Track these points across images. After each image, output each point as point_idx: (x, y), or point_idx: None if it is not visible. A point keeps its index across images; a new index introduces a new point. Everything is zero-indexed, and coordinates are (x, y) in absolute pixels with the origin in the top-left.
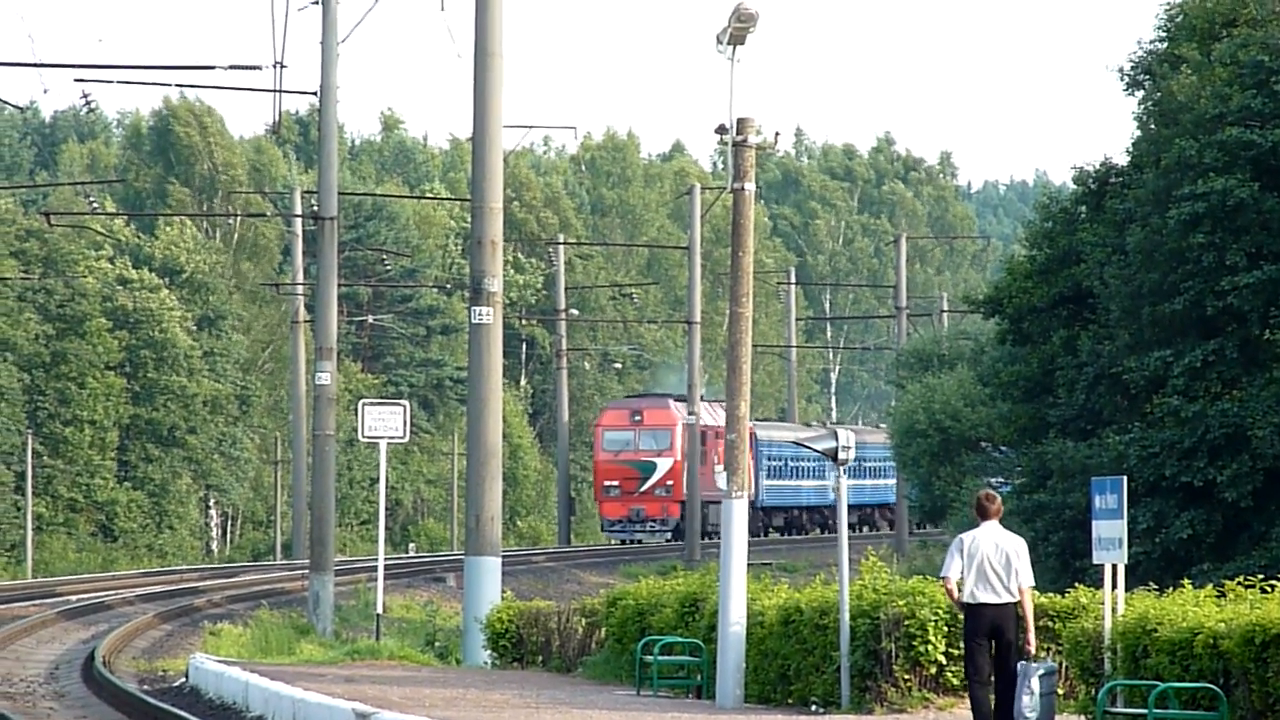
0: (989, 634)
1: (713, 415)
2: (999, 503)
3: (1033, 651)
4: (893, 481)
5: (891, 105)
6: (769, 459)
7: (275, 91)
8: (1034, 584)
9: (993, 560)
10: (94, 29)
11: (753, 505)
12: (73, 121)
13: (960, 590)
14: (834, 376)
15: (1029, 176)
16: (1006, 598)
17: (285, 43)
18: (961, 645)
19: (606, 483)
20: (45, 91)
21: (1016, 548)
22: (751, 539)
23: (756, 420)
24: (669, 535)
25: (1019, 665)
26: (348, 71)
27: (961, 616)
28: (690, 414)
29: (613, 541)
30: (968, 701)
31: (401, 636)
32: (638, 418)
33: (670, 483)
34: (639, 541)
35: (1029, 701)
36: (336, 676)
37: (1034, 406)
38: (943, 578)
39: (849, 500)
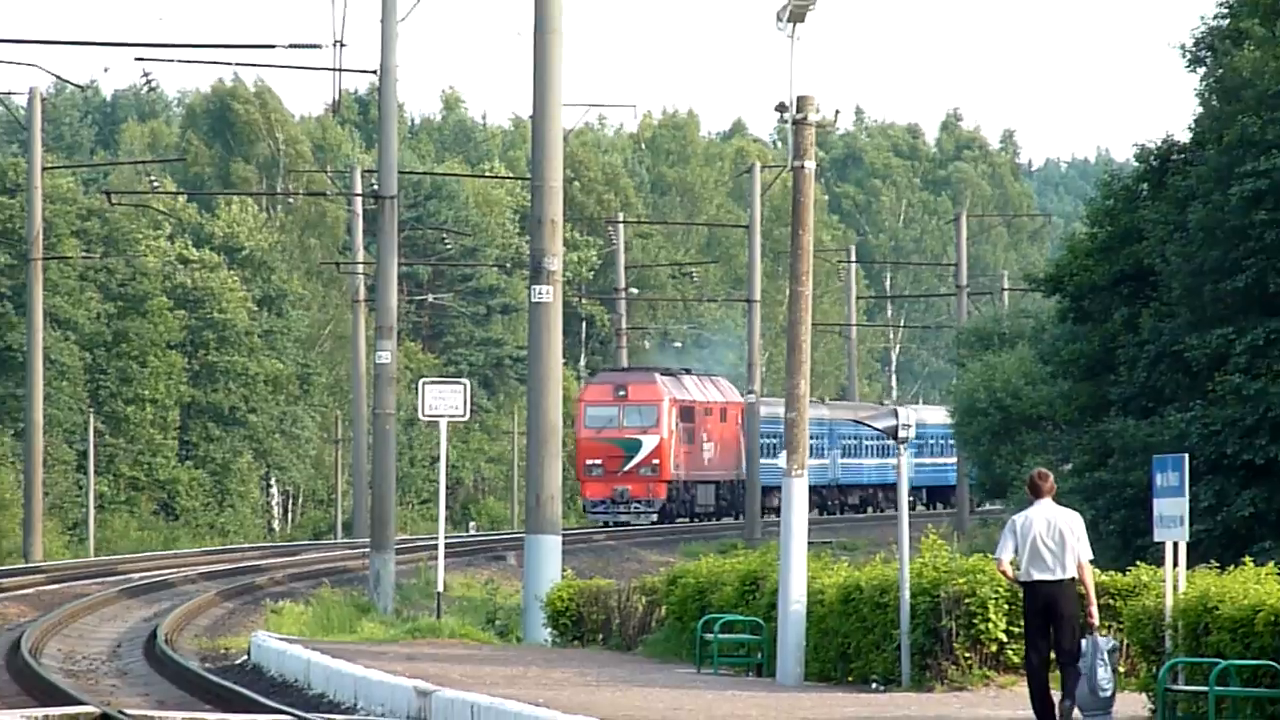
0: (1045, 611)
1: (702, 390)
2: (1051, 480)
3: (1096, 625)
4: (953, 460)
5: (952, 83)
6: (765, 436)
7: (335, 70)
8: (1092, 558)
9: (1045, 538)
10: (154, 7)
11: (743, 484)
12: (133, 100)
13: (1016, 570)
14: (894, 355)
15: (1090, 154)
16: (1060, 574)
17: (345, 21)
18: (1020, 624)
19: (589, 461)
20: (106, 70)
21: (1071, 523)
22: (630, 527)
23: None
24: (654, 517)
25: (1089, 639)
26: (408, 50)
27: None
28: (750, 393)
29: (596, 524)
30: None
31: (462, 615)
32: (622, 393)
33: (656, 461)
34: (623, 524)
35: (1104, 674)
36: (397, 654)
37: (1095, 385)
38: (996, 559)
39: (903, 479)
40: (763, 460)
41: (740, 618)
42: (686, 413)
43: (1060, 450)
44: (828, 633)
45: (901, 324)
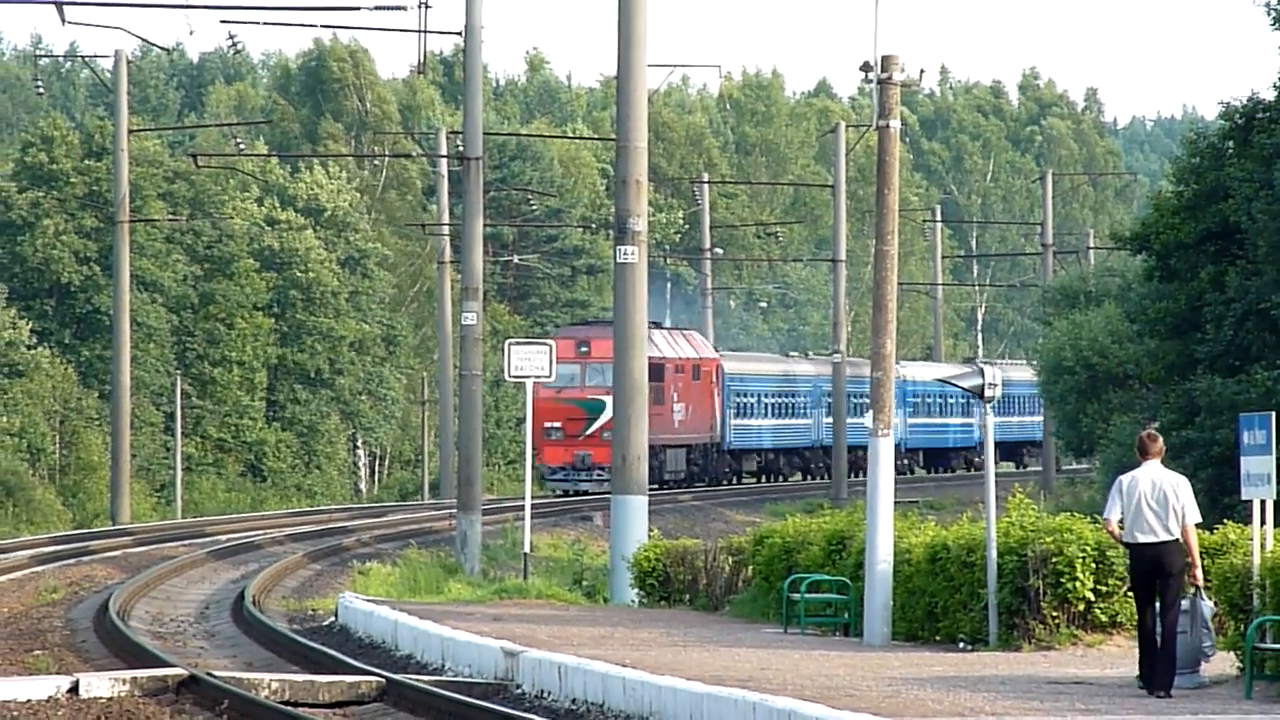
0: (1150, 571)
1: (673, 346)
2: (1160, 442)
3: (1200, 584)
4: (1039, 418)
5: (1038, 42)
6: (738, 395)
7: (420, 32)
8: (1199, 520)
9: (1150, 499)
10: None
11: (719, 448)
12: (219, 63)
13: (1121, 529)
14: (980, 314)
15: (1176, 112)
16: (1164, 535)
17: None
18: (1107, 582)
19: (547, 424)
20: (192, 33)
21: (1175, 485)
22: (717, 487)
23: (727, 351)
24: None
25: (1193, 601)
26: (493, 10)
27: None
28: (835, 352)
29: (555, 492)
30: (1116, 638)
31: (549, 575)
32: (584, 349)
33: None
34: (584, 492)
35: (1206, 634)
36: (484, 615)
37: (1181, 343)
38: (1104, 519)
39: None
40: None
41: (827, 577)
42: (655, 371)
43: (1147, 409)
44: (915, 592)
45: (988, 283)
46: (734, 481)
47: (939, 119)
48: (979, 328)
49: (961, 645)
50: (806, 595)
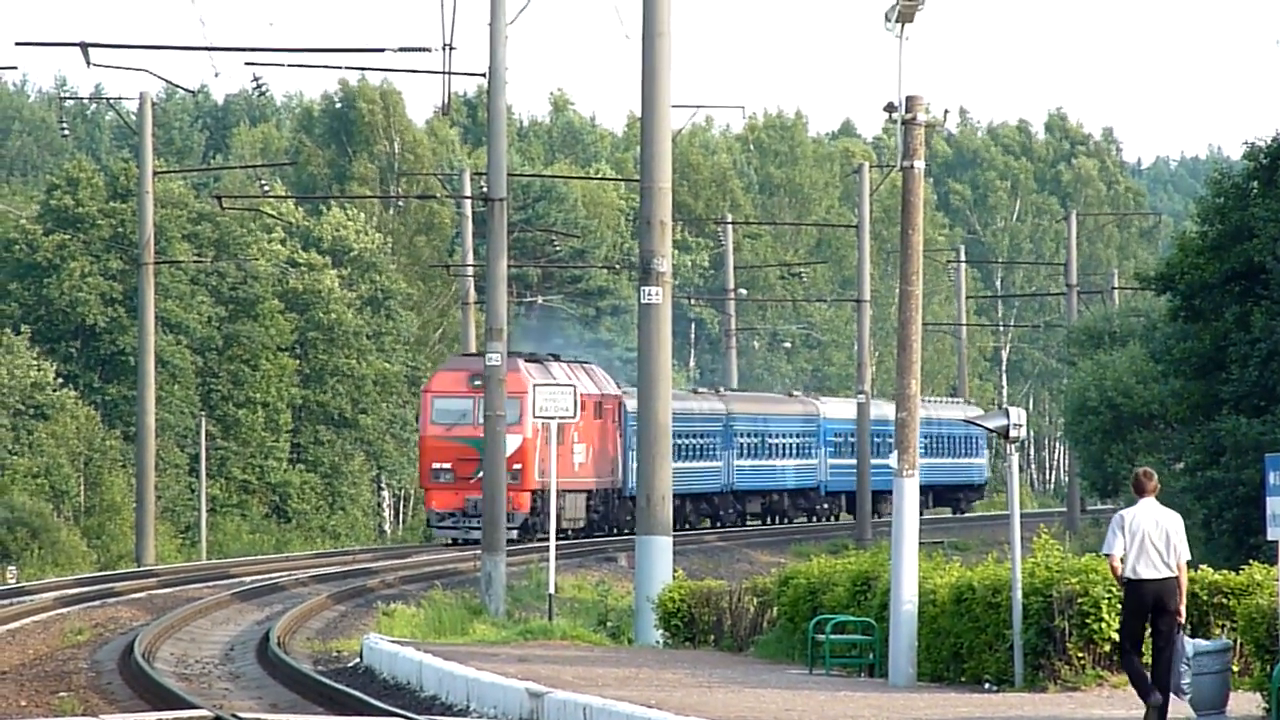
0: (1151, 607)
1: (573, 380)
2: (1156, 480)
3: (1183, 622)
4: (981, 460)
5: (1059, 82)
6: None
7: (444, 73)
8: (1190, 558)
9: (1153, 536)
10: (264, 12)
11: (620, 493)
12: (244, 105)
13: (1123, 566)
14: (1005, 354)
15: (1201, 152)
16: (1166, 572)
17: (454, 24)
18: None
19: (435, 465)
20: (216, 75)
21: (1174, 524)
22: (607, 537)
23: (628, 386)
24: (515, 534)
25: (1179, 639)
26: (517, 53)
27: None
28: (860, 393)
29: (446, 541)
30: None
31: (574, 616)
32: (477, 382)
33: (518, 467)
34: (476, 543)
35: (1184, 671)
36: (509, 656)
37: (1207, 383)
38: (1106, 555)
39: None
40: (832, 461)
41: (852, 618)
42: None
43: (1172, 449)
44: (940, 633)
45: (1012, 323)
46: (633, 531)
47: (962, 159)
48: (1003, 368)
49: (987, 686)
50: (832, 636)
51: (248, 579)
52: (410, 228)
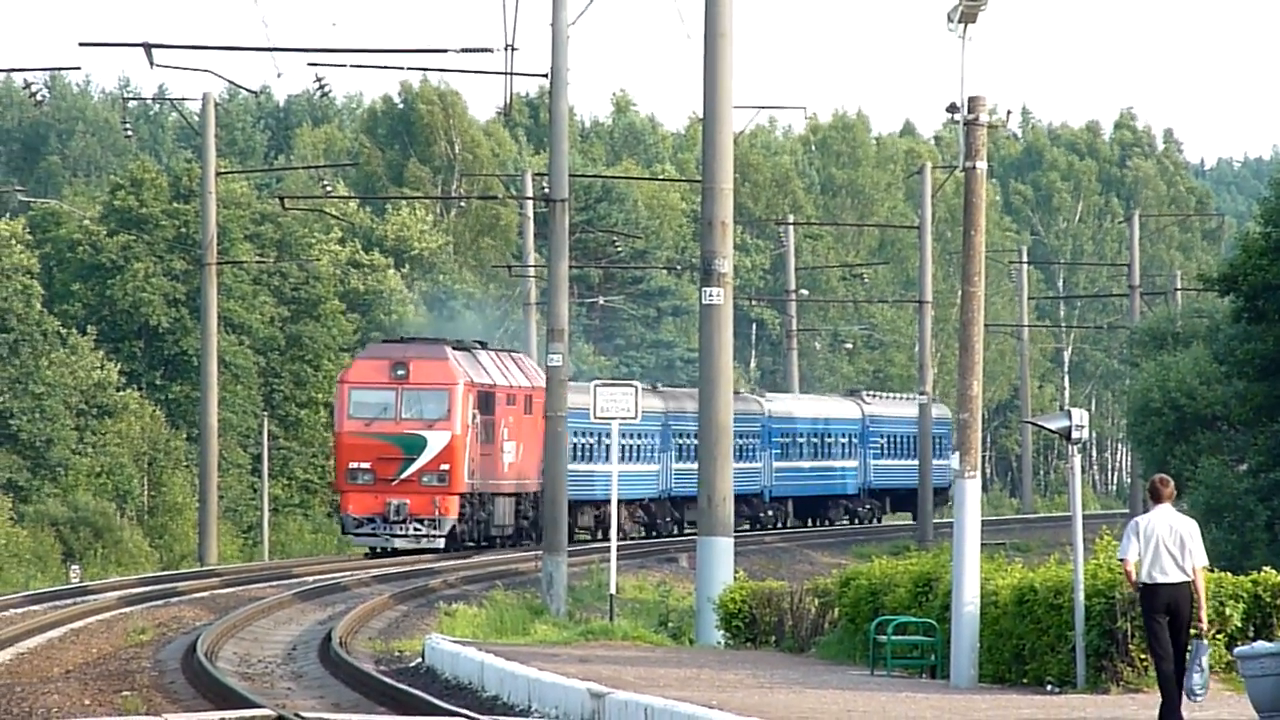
0: (1166, 612)
1: (503, 371)
2: (1171, 486)
3: (1205, 628)
4: (913, 463)
5: (1120, 83)
6: (574, 434)
7: (506, 74)
8: (1206, 564)
9: (1167, 542)
10: (327, 13)
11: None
12: (306, 105)
13: (1138, 572)
14: (1067, 355)
15: (1264, 153)
16: (1181, 577)
17: (516, 25)
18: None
19: (353, 464)
20: (279, 76)
21: (1190, 529)
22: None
23: (929, 397)
24: (441, 542)
25: (1195, 643)
26: (578, 53)
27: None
28: (922, 394)
29: (366, 551)
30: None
31: (635, 617)
32: (401, 371)
33: (446, 467)
34: (397, 551)
35: (1199, 679)
36: (571, 657)
37: (1270, 384)
38: (1121, 560)
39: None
40: (879, 461)
41: (914, 619)
42: (485, 401)
43: (1235, 450)
44: (1002, 634)
45: (1075, 324)
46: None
47: (1025, 160)
48: (1065, 369)
49: (1049, 688)
50: (893, 637)
51: (310, 579)
52: (473, 228)
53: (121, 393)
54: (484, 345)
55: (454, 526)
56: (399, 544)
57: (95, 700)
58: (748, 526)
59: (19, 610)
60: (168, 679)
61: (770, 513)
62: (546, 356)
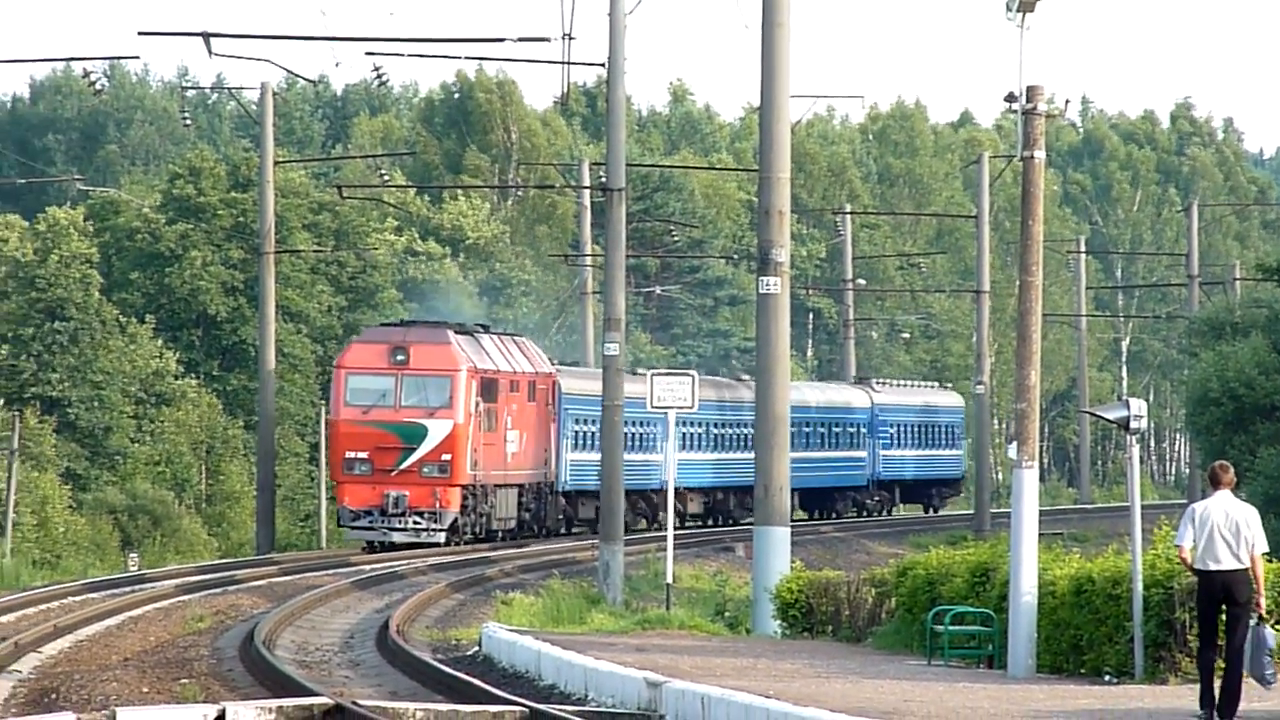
0: (1219, 599)
1: (506, 356)
2: (1231, 473)
3: (1263, 613)
4: (958, 452)
5: (1180, 71)
6: (577, 422)
7: (563, 64)
8: (1266, 549)
9: (1223, 528)
10: (385, 2)
11: (552, 489)
12: (364, 95)
13: (1193, 558)
14: (1125, 345)
15: None
16: (1236, 564)
17: (574, 15)
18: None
19: (349, 455)
20: (337, 65)
21: (1247, 516)
22: (559, 536)
23: (562, 365)
24: (442, 536)
25: (1256, 628)
26: (636, 43)
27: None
28: (979, 383)
29: (362, 545)
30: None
31: (691, 606)
32: (401, 357)
33: (448, 457)
34: (395, 545)
35: (1269, 662)
36: (627, 646)
37: None
38: (1177, 546)
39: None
40: (889, 452)
41: (971, 609)
42: (489, 388)
43: None
44: (1059, 624)
45: (1133, 314)
46: (567, 532)
47: (1084, 150)
48: (1124, 359)
49: (1107, 678)
50: (950, 627)
51: (366, 567)
52: (529, 218)
53: (179, 381)
54: (486, 329)
55: (455, 519)
56: (397, 538)
57: (153, 688)
58: (750, 521)
59: (78, 598)
60: (226, 667)
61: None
62: (603, 346)
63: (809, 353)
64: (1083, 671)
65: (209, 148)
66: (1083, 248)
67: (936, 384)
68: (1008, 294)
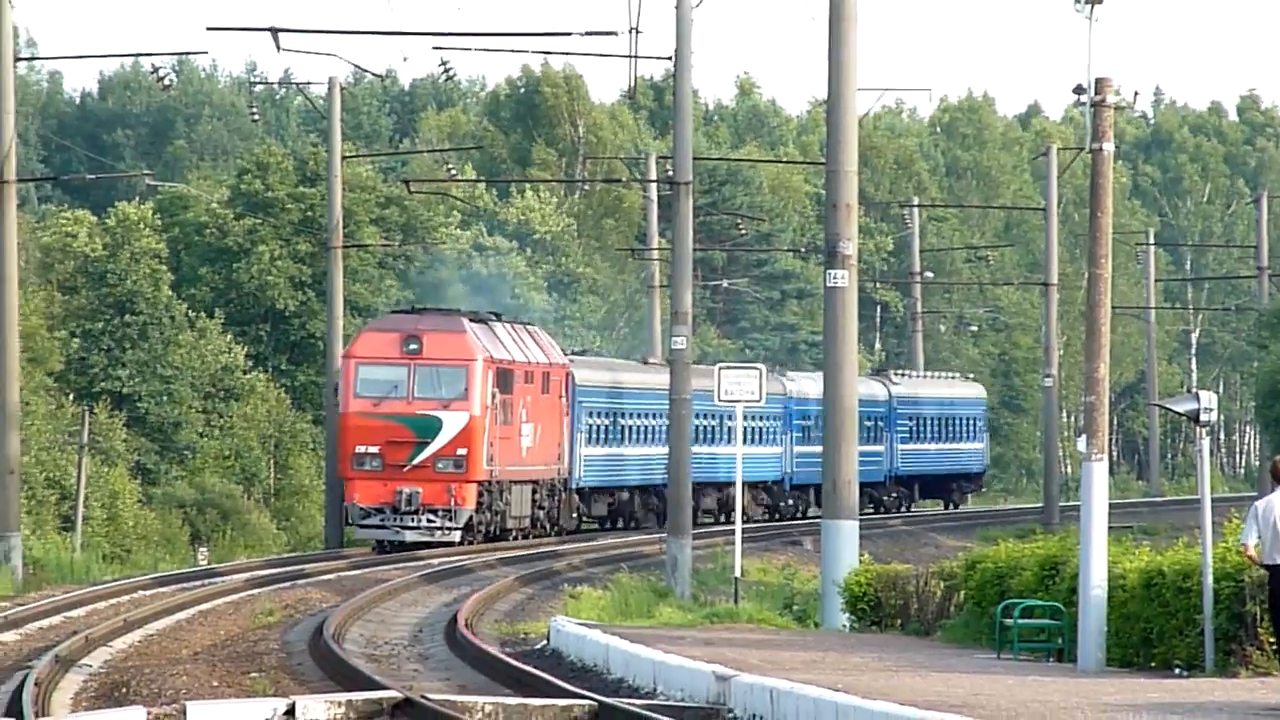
0: None
1: (520, 345)
2: None
3: None
4: (979, 445)
5: (1249, 62)
6: (591, 415)
7: (630, 57)
8: None
9: None
10: None
11: (565, 485)
12: (431, 89)
13: (1259, 555)
14: (1194, 337)
15: None
16: None
17: (640, 8)
18: None
19: (360, 449)
20: (405, 60)
21: None
22: (574, 535)
23: (575, 355)
24: (457, 535)
25: None
26: (702, 36)
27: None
28: (1047, 376)
29: (371, 545)
30: None
31: (759, 600)
32: (414, 346)
33: (463, 451)
34: (407, 545)
35: None
36: (695, 639)
37: None
38: (1242, 544)
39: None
40: (907, 446)
41: (1040, 603)
42: (504, 379)
43: None
44: (1129, 618)
45: (1202, 306)
46: (577, 530)
47: (1154, 141)
48: (1193, 351)
49: (1177, 671)
50: (1019, 620)
51: (435, 561)
52: (596, 212)
53: (248, 376)
54: (499, 317)
55: (471, 517)
56: (410, 537)
57: (223, 681)
58: (765, 518)
59: (148, 592)
60: (295, 660)
61: (791, 502)
62: (670, 339)
63: (876, 346)
64: (1153, 665)
65: (277, 143)
66: (1151, 240)
67: (957, 375)
68: (1076, 287)
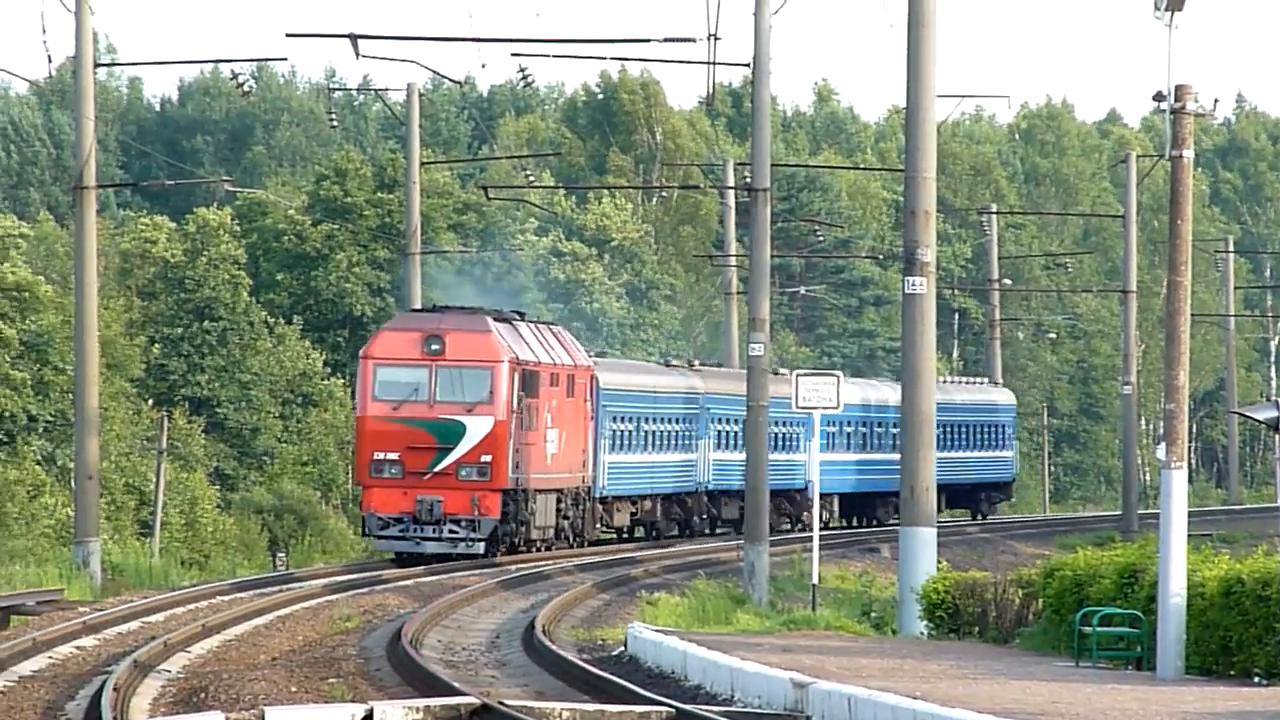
0: None
1: (545, 346)
2: None
3: None
4: (1009, 453)
5: None
6: (615, 420)
7: (709, 64)
8: None
9: None
10: (531, 3)
11: (589, 494)
12: (509, 96)
13: None
14: (1274, 345)
15: None
16: None
17: (719, 15)
18: None
19: (378, 455)
20: (483, 66)
21: None
22: (593, 548)
23: (597, 356)
24: (481, 546)
25: None
26: (781, 43)
27: None
28: (1126, 384)
29: (389, 556)
30: None
31: (837, 607)
32: (436, 346)
33: (488, 458)
34: (428, 556)
35: None
36: (773, 646)
37: None
38: None
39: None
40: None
41: (1119, 610)
42: (529, 381)
43: None
44: (1208, 626)
45: None
46: (597, 541)
47: (1233, 148)
48: (1272, 359)
49: (1257, 680)
50: (1098, 628)
51: (512, 568)
52: (674, 218)
53: (326, 381)
54: (522, 316)
55: (496, 527)
56: (431, 548)
57: (301, 687)
58: (787, 527)
59: (226, 598)
60: (373, 666)
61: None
62: (748, 346)
63: (954, 353)
64: (1232, 673)
65: (355, 149)
66: (1231, 247)
67: (985, 380)
68: (1155, 294)
